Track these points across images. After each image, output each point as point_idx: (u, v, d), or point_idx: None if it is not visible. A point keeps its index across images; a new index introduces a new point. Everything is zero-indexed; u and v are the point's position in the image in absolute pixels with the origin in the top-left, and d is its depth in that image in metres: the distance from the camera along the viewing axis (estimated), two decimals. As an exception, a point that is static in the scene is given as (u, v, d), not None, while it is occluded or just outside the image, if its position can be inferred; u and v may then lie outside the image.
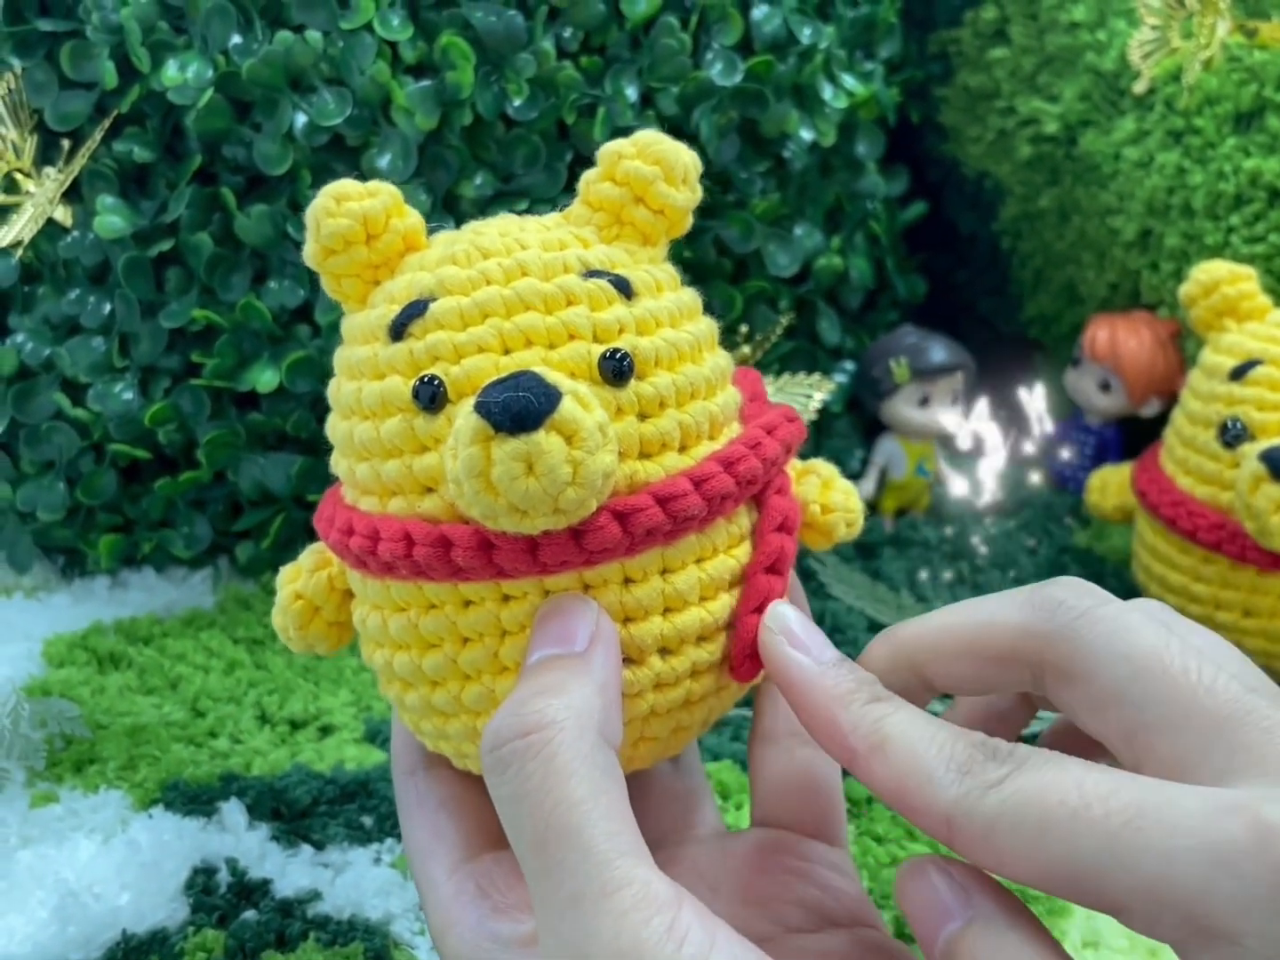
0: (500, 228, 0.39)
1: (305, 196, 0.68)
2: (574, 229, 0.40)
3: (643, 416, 0.37)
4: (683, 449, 0.38)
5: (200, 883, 0.55)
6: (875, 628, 0.75)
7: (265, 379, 0.68)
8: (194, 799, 0.60)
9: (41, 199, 0.69)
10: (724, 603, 0.38)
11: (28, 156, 0.70)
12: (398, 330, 0.37)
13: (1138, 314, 0.89)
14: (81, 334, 0.70)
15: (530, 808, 0.31)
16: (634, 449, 0.36)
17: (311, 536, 0.41)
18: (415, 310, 0.37)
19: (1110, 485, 0.81)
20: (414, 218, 0.40)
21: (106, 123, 0.68)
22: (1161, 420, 0.80)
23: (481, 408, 0.33)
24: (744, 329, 0.80)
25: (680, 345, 0.38)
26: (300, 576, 0.42)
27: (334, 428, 0.40)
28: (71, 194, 0.70)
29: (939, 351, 0.86)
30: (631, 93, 0.72)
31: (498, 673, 0.37)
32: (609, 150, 0.40)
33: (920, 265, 0.99)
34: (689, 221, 0.41)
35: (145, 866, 0.56)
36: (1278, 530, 0.64)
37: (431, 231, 0.40)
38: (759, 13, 0.78)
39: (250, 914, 0.54)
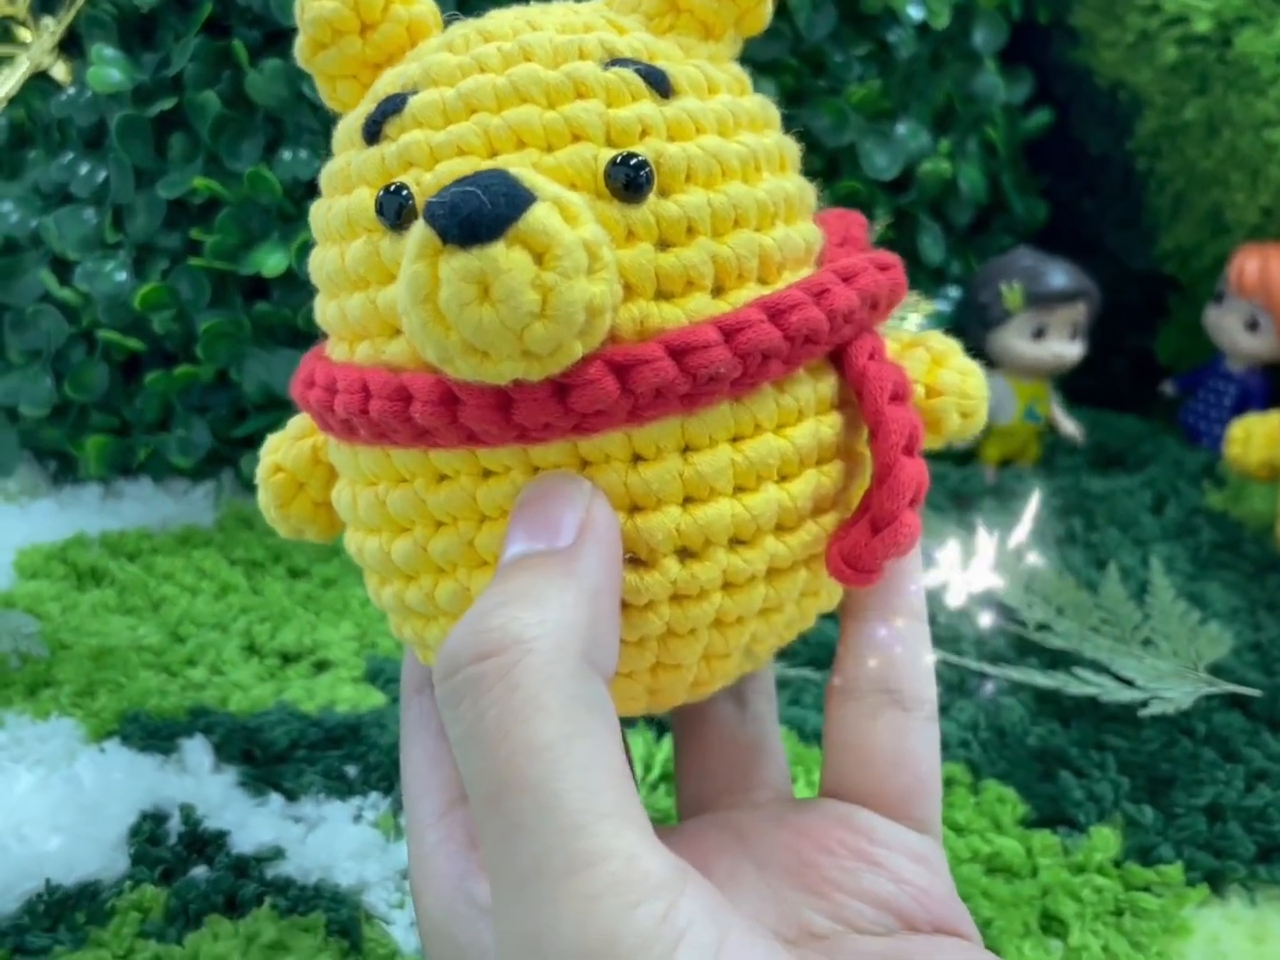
0: (521, 9, 0.32)
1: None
2: (613, 14, 0.31)
3: (663, 245, 0.28)
4: (718, 291, 0.29)
5: (146, 830, 0.47)
6: (968, 585, 0.65)
7: (273, 262, 0.59)
8: (154, 734, 0.52)
9: (37, 51, 0.61)
10: (810, 483, 0.31)
11: (23, 3, 0.62)
12: (371, 131, 0.30)
13: (1295, 244, 0.77)
14: (72, 204, 0.61)
15: (484, 753, 0.24)
16: (648, 285, 0.28)
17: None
18: (391, 106, 0.30)
19: (1256, 436, 0.70)
20: (423, 4, 0.32)
21: (108, -39, 0.60)
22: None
23: (428, 211, 0.26)
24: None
25: (726, 158, 0.30)
26: (283, 445, 0.35)
27: (313, 259, 0.33)
28: (72, 47, 0.62)
29: (1059, 276, 0.75)
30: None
31: (475, 566, 0.30)
32: None
33: (1042, 188, 0.87)
34: (767, 11, 0.32)
35: (85, 808, 0.48)
36: None
37: (448, 22, 0.32)
38: None
39: (200, 870, 0.46)
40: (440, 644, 0.28)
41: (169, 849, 0.46)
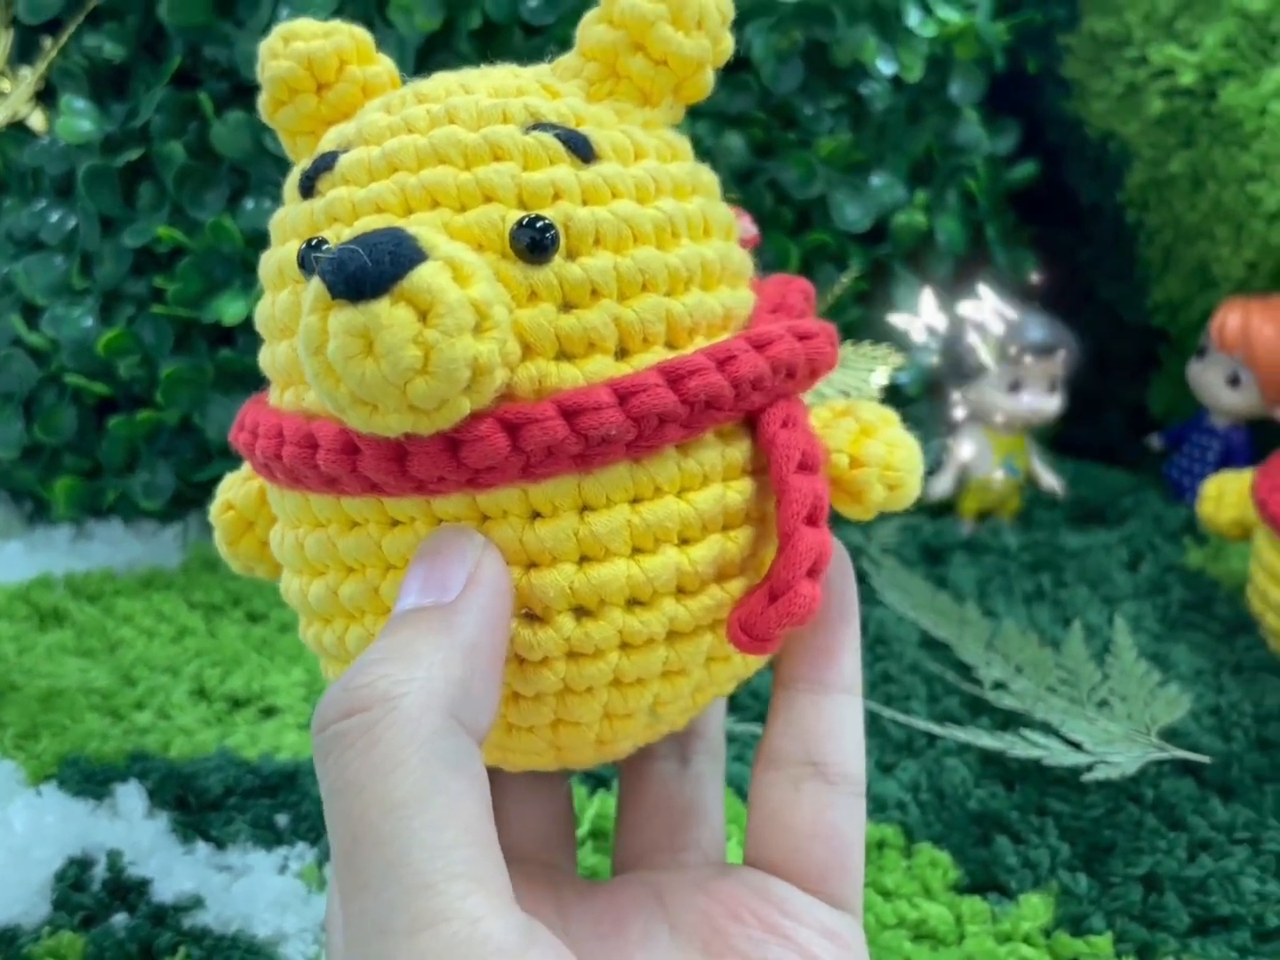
0: (465, 73, 0.33)
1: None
2: (553, 80, 0.32)
3: (567, 306, 0.29)
4: (621, 354, 0.30)
5: (71, 876, 0.48)
6: (928, 642, 0.64)
7: (233, 310, 0.60)
8: (90, 778, 0.52)
9: (14, 100, 0.63)
10: (713, 548, 0.31)
11: (1, 54, 0.64)
12: (305, 186, 0.32)
13: (1277, 299, 0.76)
14: (42, 251, 0.62)
15: (342, 807, 0.25)
16: (549, 346, 0.29)
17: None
18: (324, 164, 0.31)
19: (1228, 494, 0.69)
20: (381, 65, 0.34)
21: (81, 15, 0.61)
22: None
23: (321, 267, 0.26)
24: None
25: (639, 223, 0.30)
26: (235, 484, 0.36)
27: (257, 308, 0.34)
28: (48, 97, 0.63)
29: (1035, 329, 0.75)
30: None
31: (380, 613, 0.30)
32: None
33: (1034, 238, 0.87)
34: (706, 80, 0.33)
35: (13, 851, 0.48)
36: None
37: (407, 82, 0.34)
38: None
39: (120, 918, 0.46)
40: None
41: (92, 895, 0.47)
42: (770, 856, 0.33)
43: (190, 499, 0.67)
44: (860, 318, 0.73)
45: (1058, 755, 0.55)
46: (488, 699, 0.27)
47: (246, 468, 0.36)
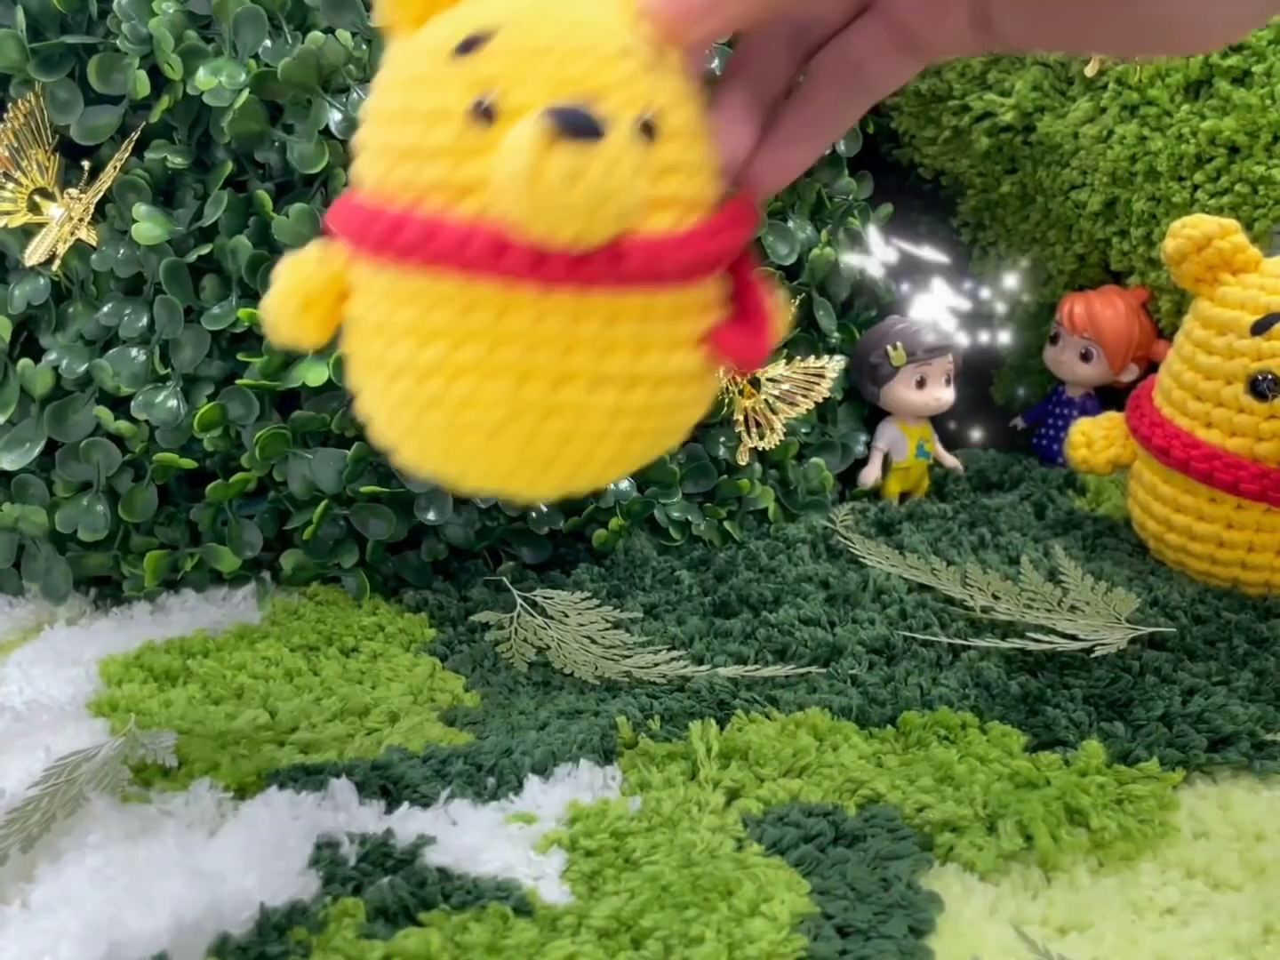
0: None
1: (341, 195, 0.68)
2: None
3: (659, 177, 0.40)
4: (683, 214, 0.41)
5: (327, 856, 0.53)
6: (916, 588, 0.77)
7: (314, 374, 0.68)
8: (310, 772, 0.58)
9: (69, 218, 0.69)
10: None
11: (51, 176, 0.70)
12: (462, 50, 0.40)
13: (1106, 288, 0.94)
14: (119, 346, 0.69)
15: None
16: (647, 203, 0.40)
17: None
18: (480, 38, 0.40)
19: (1096, 439, 0.84)
20: None
21: (135, 134, 0.68)
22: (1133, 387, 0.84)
23: (550, 113, 0.37)
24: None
25: (690, 122, 0.42)
26: (306, 267, 0.43)
27: (369, 138, 0.42)
28: (95, 214, 0.70)
29: (930, 334, 0.90)
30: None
31: (484, 376, 0.41)
32: None
33: (885, 269, 1.03)
34: None
35: (269, 845, 0.54)
36: None
37: None
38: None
39: (384, 881, 0.52)
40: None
41: (353, 868, 0.53)
42: None
43: (259, 561, 0.74)
44: (799, 336, 0.86)
45: (1063, 645, 0.68)
46: None
47: (315, 253, 0.43)
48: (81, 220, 0.69)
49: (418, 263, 0.40)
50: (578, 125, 0.37)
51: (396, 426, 0.43)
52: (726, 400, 0.80)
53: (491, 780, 0.59)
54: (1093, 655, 0.68)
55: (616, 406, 0.43)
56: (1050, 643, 0.68)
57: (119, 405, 0.69)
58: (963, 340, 0.95)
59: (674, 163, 0.41)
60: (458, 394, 0.41)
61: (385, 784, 0.58)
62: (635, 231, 0.40)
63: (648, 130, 0.40)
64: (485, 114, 0.39)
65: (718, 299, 0.46)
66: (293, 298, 0.43)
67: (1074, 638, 0.69)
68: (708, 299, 0.45)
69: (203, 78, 0.67)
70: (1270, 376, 0.71)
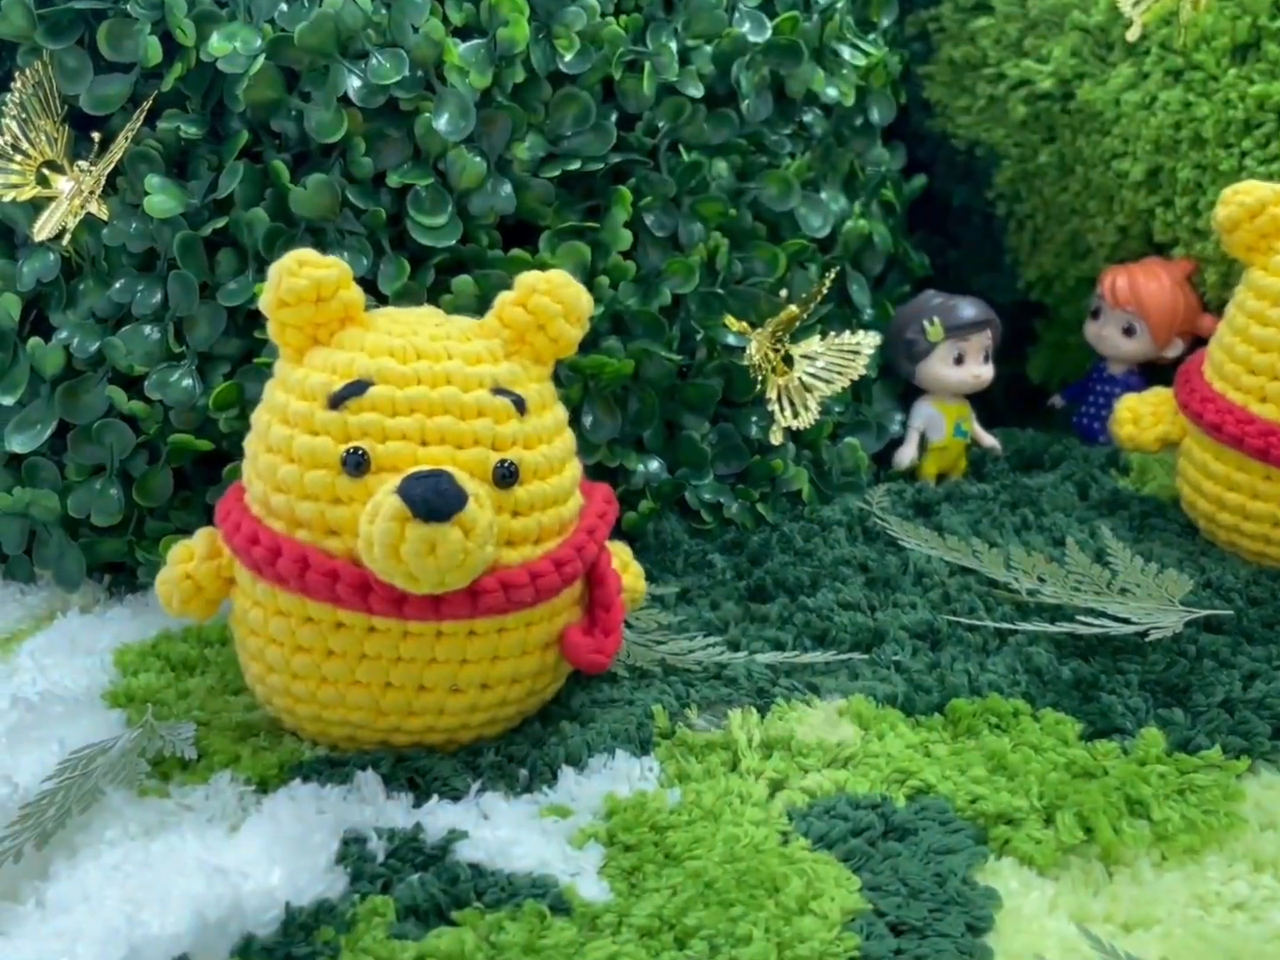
0: (430, 331, 0.53)
1: (360, 165, 0.66)
2: (487, 341, 0.53)
3: (514, 515, 0.52)
4: (537, 542, 0.53)
5: (354, 853, 0.51)
6: (957, 570, 0.74)
7: (335, 353, 0.65)
8: (335, 764, 0.56)
9: (79, 191, 0.66)
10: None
11: (60, 148, 0.67)
12: (336, 401, 0.50)
13: (1149, 260, 0.91)
14: (132, 323, 0.66)
15: None
16: (502, 539, 0.51)
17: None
18: (355, 389, 0.50)
19: (1144, 416, 0.81)
20: (356, 294, 0.53)
21: (147, 103, 0.66)
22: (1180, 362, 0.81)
23: (405, 494, 0.47)
24: (784, 293, 0.79)
25: (553, 460, 0.54)
26: (193, 559, 0.56)
27: (255, 454, 0.53)
28: (106, 186, 0.67)
29: (968, 308, 0.87)
30: (673, 46, 0.72)
31: (349, 684, 0.54)
32: (525, 281, 0.53)
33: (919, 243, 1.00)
34: (575, 349, 0.56)
35: (292, 841, 0.52)
36: None
37: (367, 308, 0.54)
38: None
39: (414, 878, 0.50)
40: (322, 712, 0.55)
41: (383, 865, 0.51)
42: None
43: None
44: (833, 311, 0.84)
45: (1116, 629, 0.65)
46: None
47: (202, 546, 0.56)
48: (92, 193, 0.66)
49: (289, 590, 0.52)
50: (430, 508, 0.46)
51: (275, 705, 0.57)
52: (760, 378, 0.77)
53: (524, 772, 0.57)
54: (1147, 639, 0.65)
55: (473, 704, 0.54)
56: (1102, 626, 0.66)
57: (132, 385, 0.67)
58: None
59: (532, 500, 0.52)
60: (325, 696, 0.54)
61: (413, 776, 0.56)
62: (493, 568, 0.50)
63: (509, 474, 0.50)
64: (356, 467, 0.49)
65: (572, 602, 0.56)
66: (181, 584, 0.55)
67: (1127, 621, 0.66)
68: (562, 605, 0.55)
69: (216, 44, 0.64)
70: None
